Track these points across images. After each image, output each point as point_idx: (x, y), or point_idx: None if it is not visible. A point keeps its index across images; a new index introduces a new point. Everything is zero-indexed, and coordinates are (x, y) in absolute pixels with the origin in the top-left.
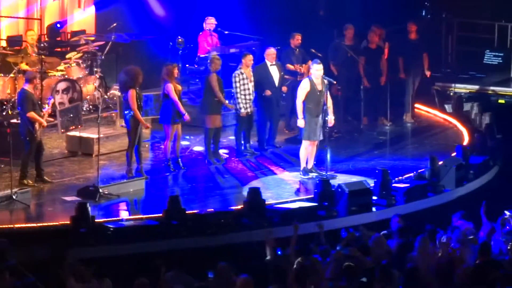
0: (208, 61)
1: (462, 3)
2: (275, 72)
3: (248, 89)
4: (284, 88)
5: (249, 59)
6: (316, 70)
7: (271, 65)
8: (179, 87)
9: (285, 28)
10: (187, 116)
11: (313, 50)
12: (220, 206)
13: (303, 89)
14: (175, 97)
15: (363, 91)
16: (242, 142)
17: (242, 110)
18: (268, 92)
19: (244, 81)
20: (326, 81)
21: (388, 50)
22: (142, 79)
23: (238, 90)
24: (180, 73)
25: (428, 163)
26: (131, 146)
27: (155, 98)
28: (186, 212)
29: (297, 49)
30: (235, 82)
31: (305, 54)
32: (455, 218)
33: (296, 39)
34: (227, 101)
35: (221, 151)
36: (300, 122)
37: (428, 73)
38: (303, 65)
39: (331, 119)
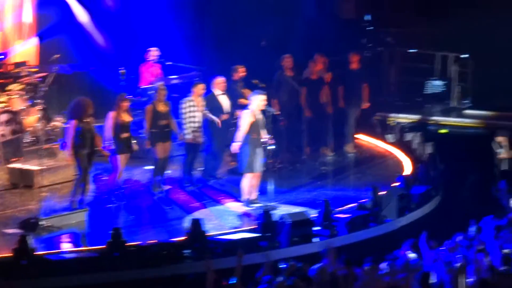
0: (154, 91)
1: (404, 34)
2: (225, 101)
3: (195, 116)
4: (238, 112)
5: (200, 88)
6: (261, 101)
7: (220, 94)
8: (126, 119)
9: (227, 58)
10: (104, 152)
11: (256, 81)
12: (163, 237)
13: (246, 120)
14: (108, 125)
15: (305, 121)
16: (187, 172)
17: (187, 136)
18: (224, 116)
19: (191, 108)
20: (268, 112)
21: (329, 80)
22: (91, 111)
23: (184, 116)
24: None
25: (370, 193)
26: (79, 177)
27: (99, 130)
28: (128, 243)
29: (241, 82)
30: (182, 108)
31: (245, 87)
32: (404, 247)
33: (239, 73)
34: (148, 136)
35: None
36: (235, 146)
37: (366, 105)
38: None
39: (269, 141)
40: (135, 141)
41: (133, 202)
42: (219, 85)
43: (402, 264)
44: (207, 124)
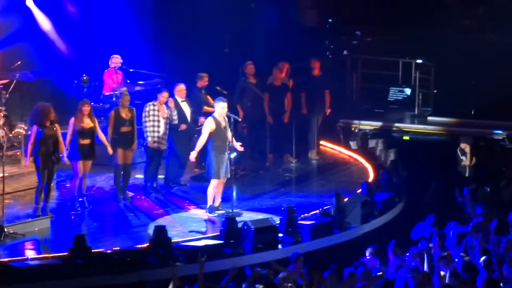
0: (116, 97)
1: (366, 40)
2: (186, 108)
3: (158, 121)
4: (202, 120)
5: (163, 96)
6: (222, 108)
7: (181, 101)
8: (87, 124)
9: (190, 65)
10: (65, 159)
11: (219, 88)
12: (127, 244)
13: (208, 127)
14: (69, 131)
15: (268, 128)
16: (150, 179)
17: (149, 139)
18: (183, 126)
19: (154, 112)
20: (231, 118)
21: (292, 86)
22: (52, 117)
23: (146, 120)
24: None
25: (333, 200)
26: (40, 184)
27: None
28: (92, 250)
29: (203, 90)
30: (145, 112)
31: (207, 94)
32: (367, 252)
33: (204, 80)
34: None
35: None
36: (193, 155)
37: (327, 111)
38: None
39: (238, 148)
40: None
41: (97, 209)
42: (180, 92)
43: (363, 272)
44: (170, 130)
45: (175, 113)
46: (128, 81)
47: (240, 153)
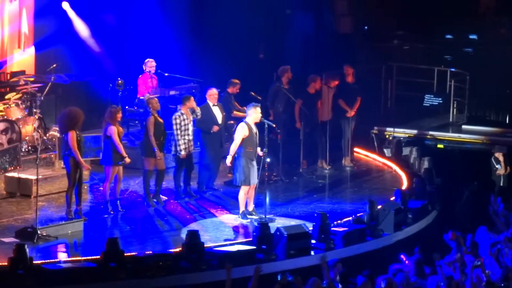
0: (145, 103)
1: (401, 48)
2: (217, 112)
3: (188, 129)
4: (232, 121)
5: (190, 100)
6: (256, 113)
7: (213, 105)
8: (121, 130)
9: (224, 70)
10: (127, 159)
11: (253, 93)
12: (159, 248)
13: (241, 133)
14: (117, 139)
15: (302, 135)
16: (182, 184)
17: (183, 152)
18: (216, 128)
19: (184, 121)
20: (266, 124)
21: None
22: (83, 121)
23: (178, 131)
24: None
25: (366, 207)
26: (70, 187)
27: (95, 140)
28: (125, 254)
29: (232, 96)
30: (175, 123)
31: (235, 101)
32: (400, 261)
33: (236, 88)
34: (157, 148)
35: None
36: (228, 159)
37: (351, 113)
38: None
39: (259, 153)
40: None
41: (130, 212)
42: (211, 96)
43: (402, 279)
44: (200, 135)
45: (198, 110)
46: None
47: (273, 159)
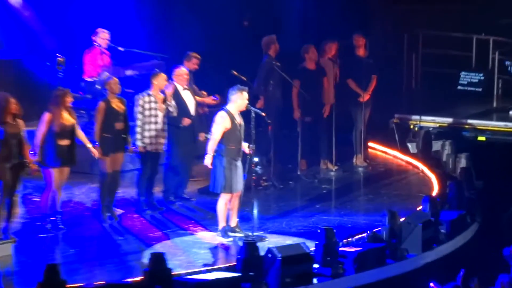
0: (101, 85)
1: (429, 12)
2: (189, 99)
3: (156, 116)
4: (206, 108)
5: (162, 79)
6: (241, 99)
7: (183, 89)
8: (71, 120)
9: (197, 43)
10: (34, 166)
11: (235, 72)
12: (113, 277)
13: (221, 125)
14: (40, 130)
15: (300, 126)
16: (146, 192)
17: (140, 143)
18: (187, 121)
19: (150, 105)
20: (253, 113)
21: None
22: (16, 109)
23: (140, 117)
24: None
25: (386, 220)
26: (0, 198)
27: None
28: (67, 285)
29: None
30: (138, 107)
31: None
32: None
33: (193, 62)
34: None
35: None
36: (207, 160)
37: (366, 97)
38: (217, 95)
39: (246, 150)
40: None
41: (75, 230)
42: (180, 77)
43: None
44: (168, 127)
45: (172, 102)
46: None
47: (263, 159)
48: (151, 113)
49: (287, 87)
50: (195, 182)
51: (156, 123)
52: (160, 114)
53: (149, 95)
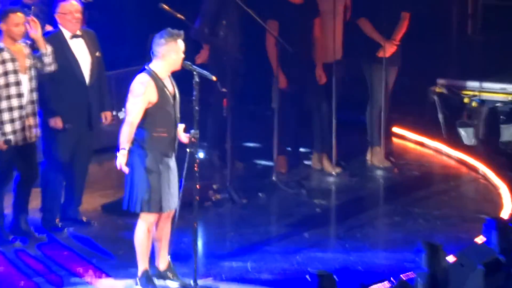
0: None
1: None
2: (81, 51)
3: (17, 83)
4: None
5: (14, 20)
6: (175, 52)
7: (72, 36)
8: None
9: None
10: None
11: (165, 6)
12: None
13: (141, 98)
14: None
15: (277, 99)
16: (13, 210)
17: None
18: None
19: (5, 66)
20: (196, 77)
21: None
22: None
23: None
24: None
25: (422, 259)
26: None
27: None
28: None
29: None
30: None
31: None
32: None
33: None
34: None
35: None
36: (120, 158)
37: (389, 49)
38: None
39: (183, 139)
40: None
41: None
42: (67, 16)
43: None
44: (42, 96)
45: (48, 49)
46: None
47: (215, 154)
48: (8, 81)
49: (253, 31)
50: (98, 194)
51: (19, 95)
52: (25, 79)
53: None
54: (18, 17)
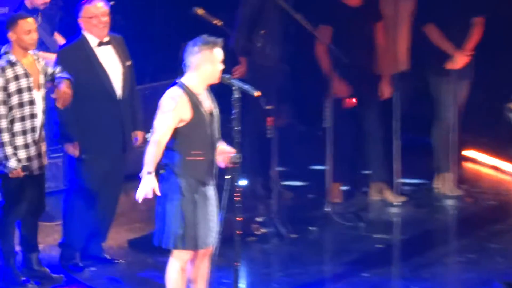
0: None
1: None
2: (110, 60)
3: (31, 102)
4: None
5: (24, 27)
6: (211, 62)
7: (99, 43)
8: None
9: None
10: None
11: (200, 11)
12: None
13: (172, 115)
14: None
15: (330, 117)
16: (26, 248)
17: (14, 164)
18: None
19: (19, 83)
20: (236, 91)
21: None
22: None
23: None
24: None
25: None
26: None
27: None
28: None
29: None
30: None
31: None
32: None
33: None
34: None
35: None
36: (148, 181)
37: (460, 59)
38: None
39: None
40: None
41: None
42: (92, 21)
43: None
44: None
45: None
46: None
47: (259, 181)
48: (22, 100)
49: (301, 40)
50: (124, 228)
51: (32, 116)
52: (38, 97)
53: (11, 62)
54: (28, 23)
